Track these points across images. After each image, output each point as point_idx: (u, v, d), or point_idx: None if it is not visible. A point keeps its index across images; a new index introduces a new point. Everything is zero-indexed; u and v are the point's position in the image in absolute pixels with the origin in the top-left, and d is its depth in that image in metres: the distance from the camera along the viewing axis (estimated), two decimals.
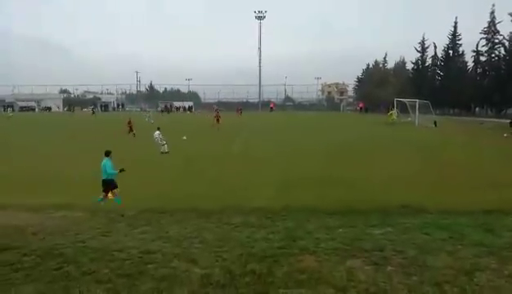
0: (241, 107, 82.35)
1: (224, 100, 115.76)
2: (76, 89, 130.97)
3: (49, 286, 5.67)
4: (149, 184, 14.19)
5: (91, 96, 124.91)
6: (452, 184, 13.69)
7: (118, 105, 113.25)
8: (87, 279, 5.82)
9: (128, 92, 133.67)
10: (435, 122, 45.57)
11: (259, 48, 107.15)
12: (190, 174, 16.56)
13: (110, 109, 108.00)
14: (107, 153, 11.50)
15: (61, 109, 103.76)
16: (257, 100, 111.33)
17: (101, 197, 11.20)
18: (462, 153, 23.20)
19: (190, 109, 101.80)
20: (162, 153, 22.11)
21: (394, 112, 52.84)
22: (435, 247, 6.93)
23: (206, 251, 6.89)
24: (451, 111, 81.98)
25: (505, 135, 34.47)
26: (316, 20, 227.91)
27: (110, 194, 11.23)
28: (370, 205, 10.29)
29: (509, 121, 39.10)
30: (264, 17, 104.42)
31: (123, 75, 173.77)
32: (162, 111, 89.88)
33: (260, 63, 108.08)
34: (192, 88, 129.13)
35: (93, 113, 76.60)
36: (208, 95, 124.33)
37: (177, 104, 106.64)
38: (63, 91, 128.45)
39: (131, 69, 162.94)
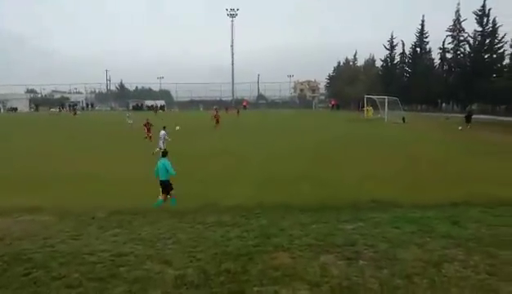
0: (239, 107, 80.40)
1: (197, 99, 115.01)
2: (43, 88, 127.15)
3: (17, 292, 5.49)
4: (122, 183, 13.94)
5: (58, 96, 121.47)
6: (420, 179, 14.06)
7: (87, 105, 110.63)
8: (57, 284, 5.67)
9: (97, 91, 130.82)
10: (403, 118, 46.72)
11: (232, 46, 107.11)
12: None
13: (79, 108, 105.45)
14: (164, 154, 11.63)
15: (28, 109, 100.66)
16: (230, 98, 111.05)
17: (161, 198, 11.17)
18: (429, 147, 23.88)
19: (162, 107, 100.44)
20: (153, 153, 20.61)
21: (370, 108, 54.10)
22: (405, 240, 7.10)
23: (180, 251, 6.83)
24: (419, 107, 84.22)
25: (460, 128, 37.45)
26: (288, 17, 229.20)
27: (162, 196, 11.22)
28: (343, 201, 10.47)
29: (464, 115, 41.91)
30: (236, 15, 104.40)
31: (92, 74, 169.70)
32: (150, 109, 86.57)
33: (233, 61, 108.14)
34: (164, 87, 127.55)
35: (75, 113, 71.35)
36: (180, 94, 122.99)
37: (148, 102, 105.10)
38: (29, 91, 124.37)
39: (100, 68, 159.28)
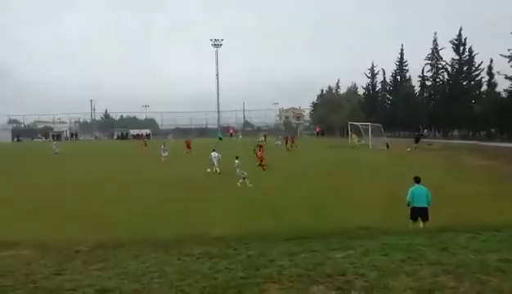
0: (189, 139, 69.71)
1: (183, 127, 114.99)
2: (26, 118, 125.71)
3: None
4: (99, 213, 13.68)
5: (42, 126, 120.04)
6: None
7: (71, 135, 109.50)
8: None
9: (81, 121, 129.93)
10: (387, 145, 47.40)
11: (217, 75, 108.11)
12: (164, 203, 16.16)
13: (63, 138, 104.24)
14: (418, 180, 11.67)
15: (10, 140, 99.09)
16: (216, 126, 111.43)
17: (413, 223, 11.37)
18: (416, 174, 24.13)
19: (147, 136, 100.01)
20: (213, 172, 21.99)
21: (355, 136, 54.96)
22: (395, 269, 7.04)
23: (167, 285, 6.63)
24: (402, 133, 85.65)
25: (408, 149, 41.28)
26: (272, 46, 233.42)
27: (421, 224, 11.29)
28: (331, 228, 10.42)
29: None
30: (221, 45, 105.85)
31: (76, 103, 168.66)
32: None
33: (218, 90, 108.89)
34: (149, 115, 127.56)
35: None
36: (166, 122, 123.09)
37: (133, 131, 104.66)
38: (12, 121, 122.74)
39: (85, 97, 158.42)
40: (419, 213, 11.47)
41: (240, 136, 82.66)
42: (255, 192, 19.10)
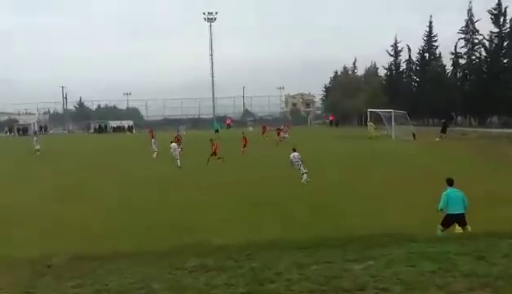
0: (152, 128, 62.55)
1: (172, 117, 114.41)
2: None
3: None
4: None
5: (5, 118, 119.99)
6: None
7: (40, 128, 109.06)
8: None
9: (52, 112, 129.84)
10: (413, 134, 47.37)
11: (211, 55, 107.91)
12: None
13: (31, 132, 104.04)
14: (451, 182, 11.91)
15: None
16: (211, 116, 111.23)
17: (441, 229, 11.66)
18: (448, 169, 24.14)
19: (130, 129, 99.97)
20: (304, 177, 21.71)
21: (371, 124, 54.67)
22: (423, 282, 7.07)
23: None
24: (430, 121, 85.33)
25: (437, 139, 42.59)
26: (275, 21, 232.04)
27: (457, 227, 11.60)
28: (347, 234, 10.46)
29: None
30: (215, 19, 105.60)
31: (45, 92, 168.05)
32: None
33: (212, 72, 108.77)
34: (132, 104, 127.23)
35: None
36: (151, 112, 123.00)
37: (113, 123, 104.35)
38: None
39: (55, 84, 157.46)
40: (455, 219, 11.58)
41: (251, 128, 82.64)
42: (258, 190, 19.20)
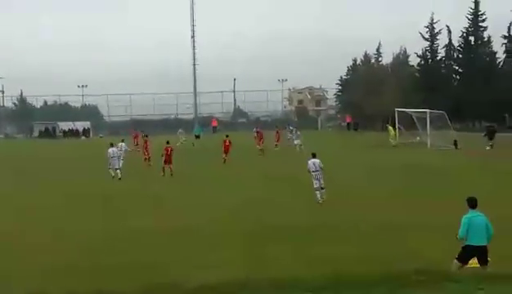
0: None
1: (141, 118, 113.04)
2: None
3: None
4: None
5: None
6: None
7: None
8: None
9: None
10: (455, 142, 47.29)
11: (192, 36, 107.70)
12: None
13: None
14: (474, 203, 11.57)
15: None
16: (192, 116, 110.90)
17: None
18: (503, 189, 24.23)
19: (86, 132, 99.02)
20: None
21: (391, 129, 54.66)
22: None
23: None
24: (477, 124, 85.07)
25: (488, 148, 44.33)
26: None
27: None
28: (373, 271, 10.56)
29: None
30: None
31: None
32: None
33: (195, 58, 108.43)
34: (89, 100, 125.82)
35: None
36: (114, 111, 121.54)
37: (64, 125, 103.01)
38: None
39: None
40: (475, 253, 11.44)
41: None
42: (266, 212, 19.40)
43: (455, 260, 11.50)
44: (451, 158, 40.38)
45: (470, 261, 11.46)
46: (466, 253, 11.40)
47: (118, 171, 31.72)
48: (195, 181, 30.18)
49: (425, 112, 52.23)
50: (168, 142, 34.57)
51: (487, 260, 11.30)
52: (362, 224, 17.82)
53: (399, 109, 57.24)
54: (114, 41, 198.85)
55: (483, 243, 11.27)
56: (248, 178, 30.73)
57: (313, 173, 22.46)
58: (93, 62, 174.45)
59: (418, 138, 52.77)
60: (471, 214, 11.43)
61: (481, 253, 11.31)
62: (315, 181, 22.37)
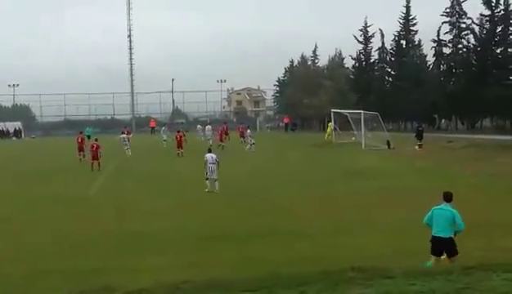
0: None
1: (75, 118, 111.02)
2: None
3: None
4: None
5: None
6: (419, 234, 14.46)
7: None
8: None
9: None
10: (388, 143, 48.10)
11: (129, 36, 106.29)
12: None
13: None
14: (448, 197, 11.72)
15: None
16: (129, 116, 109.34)
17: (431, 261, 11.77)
18: (437, 190, 24.83)
19: (17, 133, 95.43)
20: None
21: (330, 124, 56.02)
22: None
23: None
24: (408, 125, 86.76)
25: (416, 148, 45.08)
26: None
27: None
28: (308, 270, 10.55)
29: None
30: None
31: None
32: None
33: (131, 57, 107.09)
34: (20, 100, 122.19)
35: None
36: (47, 111, 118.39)
37: None
38: None
39: None
40: (439, 245, 11.81)
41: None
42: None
43: (431, 254, 11.94)
44: (383, 158, 40.84)
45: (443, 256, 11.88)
46: (432, 244, 11.88)
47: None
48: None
49: (360, 113, 53.19)
50: (96, 139, 37.41)
51: (453, 253, 11.66)
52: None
53: (335, 110, 58.19)
54: (49, 40, 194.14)
55: (443, 235, 11.63)
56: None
57: (209, 165, 24.90)
58: (26, 61, 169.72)
59: (353, 138, 53.52)
60: (439, 206, 11.93)
61: (444, 245, 11.71)
62: (209, 173, 24.97)
